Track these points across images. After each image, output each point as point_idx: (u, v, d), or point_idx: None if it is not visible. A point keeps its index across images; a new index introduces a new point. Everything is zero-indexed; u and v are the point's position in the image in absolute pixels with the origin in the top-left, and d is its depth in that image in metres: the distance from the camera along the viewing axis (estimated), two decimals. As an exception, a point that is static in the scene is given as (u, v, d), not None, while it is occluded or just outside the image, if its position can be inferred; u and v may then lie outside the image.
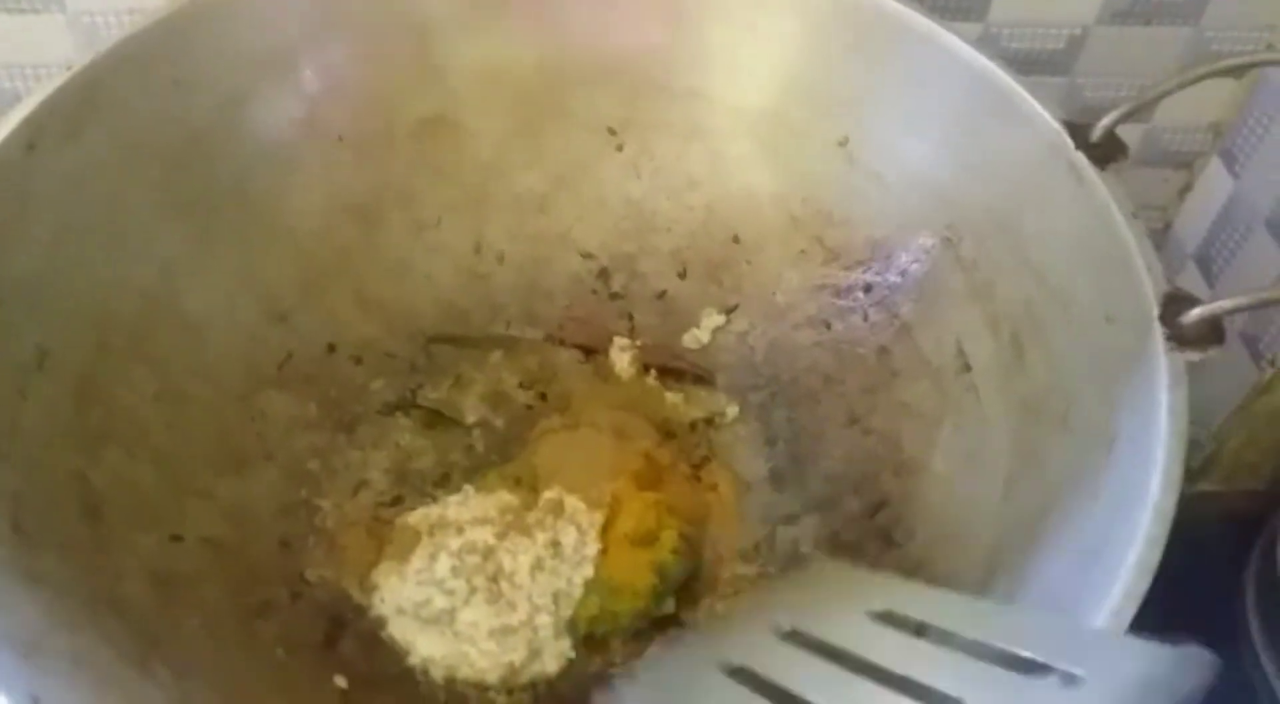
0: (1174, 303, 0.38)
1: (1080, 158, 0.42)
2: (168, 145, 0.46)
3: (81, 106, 0.42)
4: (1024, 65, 0.59)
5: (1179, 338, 0.37)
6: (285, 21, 0.47)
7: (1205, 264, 0.65)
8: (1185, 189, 0.66)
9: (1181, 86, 0.41)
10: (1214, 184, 0.64)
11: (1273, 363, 0.59)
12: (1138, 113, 0.43)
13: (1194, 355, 0.37)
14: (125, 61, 0.44)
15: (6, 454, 0.38)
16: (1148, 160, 0.65)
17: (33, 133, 0.41)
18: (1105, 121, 0.42)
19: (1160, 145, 0.64)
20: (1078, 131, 0.42)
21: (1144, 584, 0.33)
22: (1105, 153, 0.42)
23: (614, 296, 0.55)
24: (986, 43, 0.58)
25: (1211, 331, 0.37)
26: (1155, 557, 0.34)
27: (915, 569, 0.44)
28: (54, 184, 0.42)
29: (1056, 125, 0.43)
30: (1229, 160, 0.63)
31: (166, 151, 0.45)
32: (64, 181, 0.42)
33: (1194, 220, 0.66)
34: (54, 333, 0.41)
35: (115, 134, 0.44)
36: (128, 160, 0.44)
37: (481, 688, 0.44)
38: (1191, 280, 0.65)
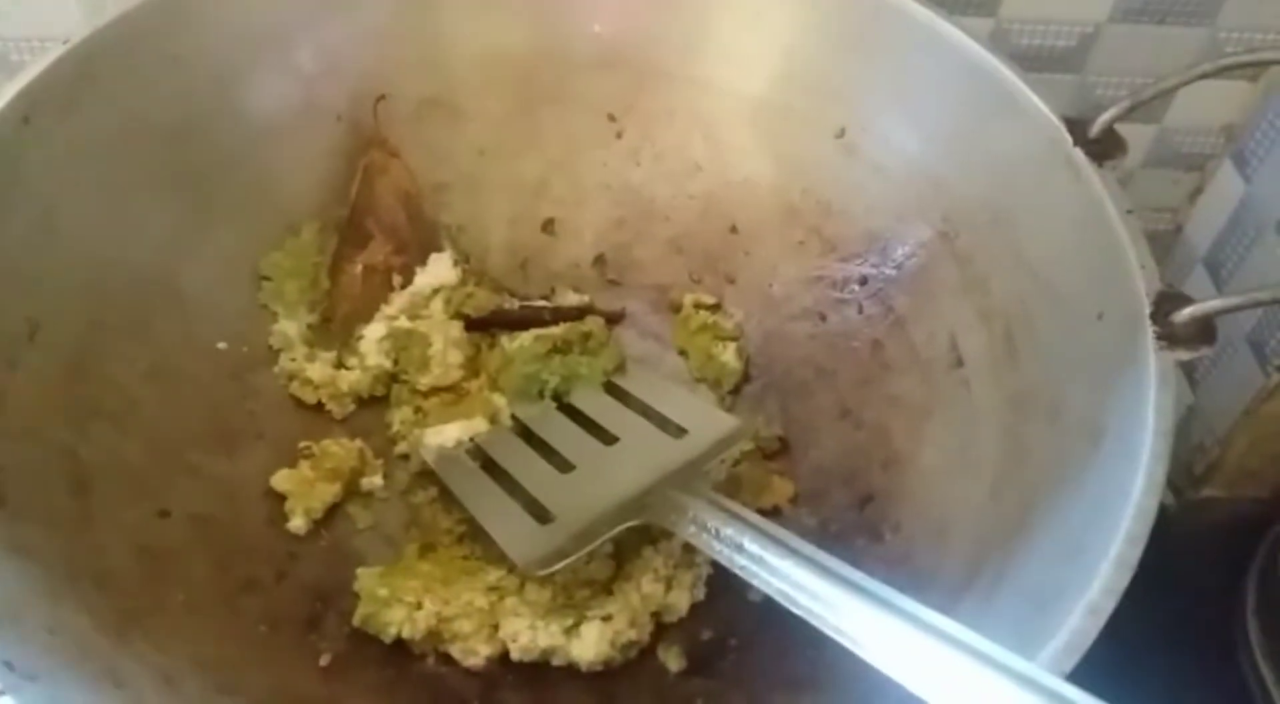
0: (1166, 301, 0.37)
1: (1078, 154, 0.41)
2: (164, 122, 0.46)
3: (78, 81, 0.42)
4: (1035, 62, 0.59)
5: (1170, 337, 0.37)
6: (284, 0, 0.48)
7: (1215, 267, 0.64)
8: (1196, 191, 0.66)
9: (1183, 83, 0.41)
10: (1225, 187, 0.64)
11: (1279, 368, 0.58)
12: (1148, 113, 0.42)
13: (1184, 355, 0.37)
14: (123, 37, 0.44)
15: (-6, 425, 0.38)
16: (1159, 162, 0.64)
17: (28, 106, 0.41)
18: (1104, 117, 0.41)
19: (1172, 147, 0.64)
20: (1076, 127, 0.42)
21: (1123, 581, 0.33)
22: (1104, 149, 0.41)
23: (610, 283, 0.55)
24: (998, 38, 0.58)
25: (1203, 331, 0.37)
26: (1135, 554, 0.33)
27: (900, 562, 0.44)
28: (49, 158, 0.42)
29: (1056, 121, 0.42)
30: (1241, 163, 0.62)
31: (163, 128, 0.46)
32: (59, 156, 0.42)
33: (1205, 223, 0.65)
34: (45, 306, 0.41)
35: (111, 109, 0.44)
36: (123, 136, 0.44)
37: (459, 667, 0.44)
38: (1201, 283, 0.65)
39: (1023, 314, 0.43)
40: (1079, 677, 0.32)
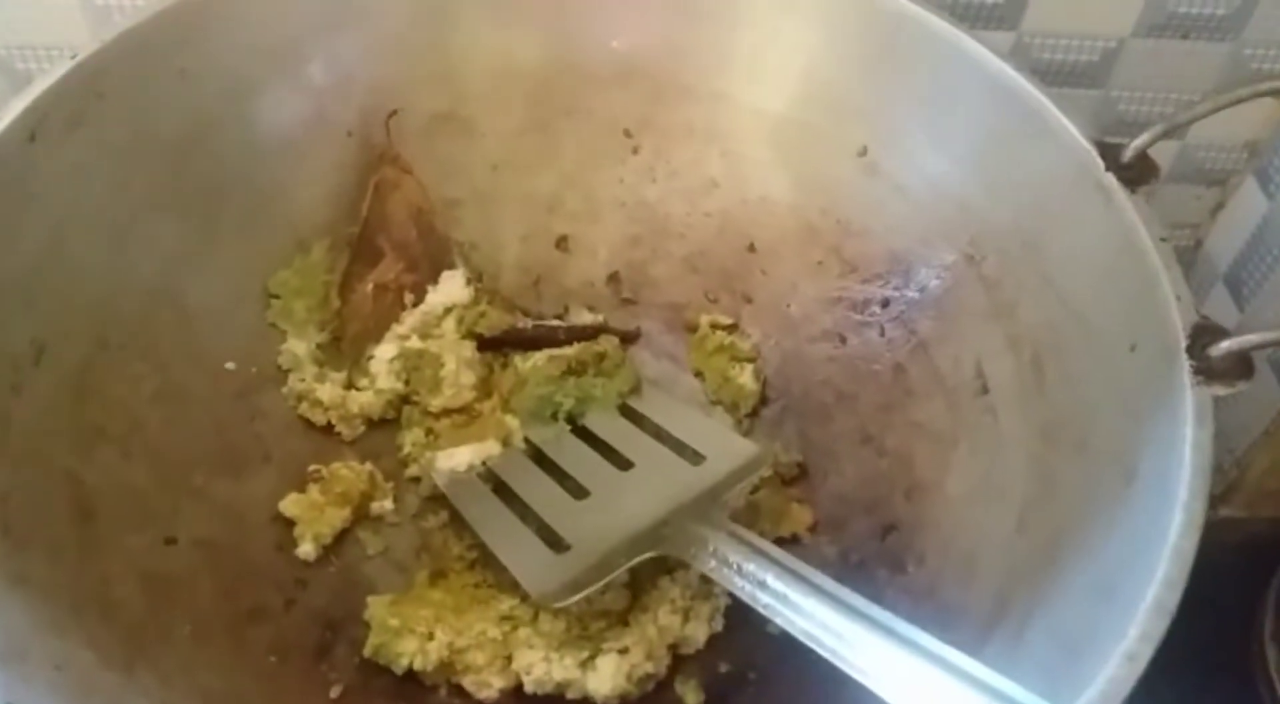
0: (1203, 334, 0.36)
1: (1110, 179, 0.40)
2: (172, 137, 0.45)
3: (85, 96, 0.42)
4: (1056, 77, 0.58)
5: (1206, 371, 0.36)
6: (295, 13, 0.47)
7: (1235, 285, 0.63)
8: (1218, 207, 0.65)
9: (1217, 109, 0.40)
10: (1248, 204, 0.63)
11: (1300, 390, 0.58)
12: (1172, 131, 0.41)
13: (1221, 390, 0.36)
14: (131, 50, 0.43)
15: (-3, 451, 0.37)
16: (1181, 177, 0.64)
17: (34, 122, 0.40)
18: (1138, 143, 0.40)
19: (1194, 162, 0.63)
20: (1109, 152, 0.41)
21: (1161, 626, 0.32)
22: (1137, 175, 0.40)
23: (625, 302, 0.54)
24: (1019, 53, 0.57)
25: (1240, 365, 0.36)
26: (1174, 599, 0.32)
27: (924, 596, 0.43)
28: (55, 175, 0.41)
29: (1087, 144, 0.41)
30: (1264, 180, 0.62)
31: (171, 143, 0.45)
32: (65, 172, 0.41)
33: (1226, 240, 0.65)
34: (51, 327, 0.40)
35: (119, 124, 0.43)
36: (131, 151, 0.43)
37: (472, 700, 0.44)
38: (1221, 301, 0.64)
39: (1052, 342, 0.42)
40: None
